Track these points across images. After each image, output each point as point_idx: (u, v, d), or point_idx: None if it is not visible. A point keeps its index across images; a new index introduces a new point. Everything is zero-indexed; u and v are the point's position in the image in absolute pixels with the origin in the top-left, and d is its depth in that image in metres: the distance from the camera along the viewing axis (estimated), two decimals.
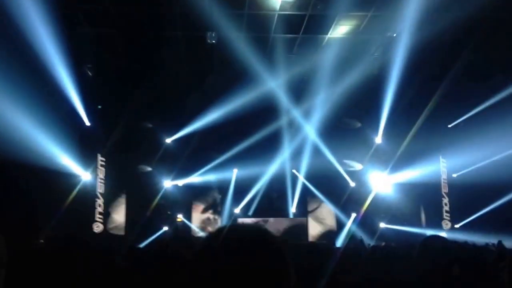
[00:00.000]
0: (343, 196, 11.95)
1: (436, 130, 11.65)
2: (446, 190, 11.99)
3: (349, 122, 11.96)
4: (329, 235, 11.65)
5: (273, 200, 11.74)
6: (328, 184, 11.88)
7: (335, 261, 3.80)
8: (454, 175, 11.89)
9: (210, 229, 11.45)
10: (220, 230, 1.05)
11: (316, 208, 12.27)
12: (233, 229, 1.06)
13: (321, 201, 12.15)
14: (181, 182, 11.32)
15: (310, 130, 11.19)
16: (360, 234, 10.87)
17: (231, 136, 10.91)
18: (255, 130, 10.86)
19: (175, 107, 10.75)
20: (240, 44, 9.64)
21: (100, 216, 10.51)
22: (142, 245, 8.00)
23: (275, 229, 11.67)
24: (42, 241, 6.59)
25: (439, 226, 11.73)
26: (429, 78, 10.50)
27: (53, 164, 8.95)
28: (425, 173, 11.65)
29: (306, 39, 10.10)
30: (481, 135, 10.48)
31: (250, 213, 11.52)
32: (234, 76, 10.03)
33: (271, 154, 11.20)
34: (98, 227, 10.38)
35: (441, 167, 12.00)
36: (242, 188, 11.51)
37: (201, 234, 11.31)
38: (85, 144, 10.30)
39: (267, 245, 1.02)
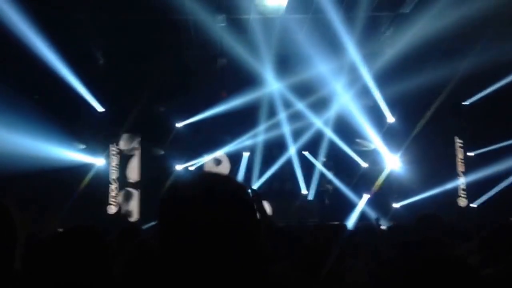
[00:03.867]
0: (355, 177, 11.89)
1: (452, 108, 11.43)
2: (463, 169, 11.82)
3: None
4: (341, 216, 11.64)
5: (284, 182, 11.78)
6: (340, 164, 11.84)
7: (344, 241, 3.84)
8: (470, 154, 11.68)
9: None
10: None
11: (326, 189, 12.25)
12: (199, 180, 1.03)
13: (332, 182, 12.12)
14: (192, 166, 11.44)
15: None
16: (374, 214, 10.86)
17: (243, 120, 10.95)
18: (269, 114, 10.89)
19: (186, 90, 10.79)
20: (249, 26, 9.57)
21: (114, 200, 10.79)
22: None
23: (286, 210, 11.79)
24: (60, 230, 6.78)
25: (455, 205, 11.63)
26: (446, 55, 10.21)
27: (66, 153, 9.21)
28: (440, 152, 11.49)
29: (316, 19, 9.89)
30: (500, 114, 10.24)
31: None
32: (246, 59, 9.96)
33: (282, 136, 11.21)
34: (112, 209, 10.70)
35: (457, 146, 11.80)
36: (253, 171, 11.57)
37: None
38: (98, 131, 10.51)
39: (236, 194, 0.99)
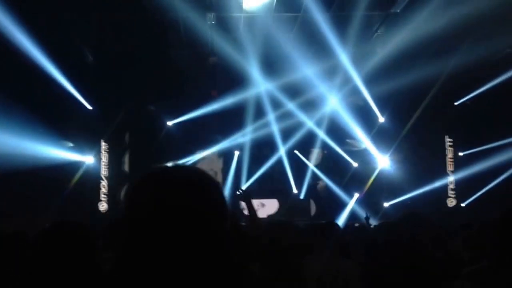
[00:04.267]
0: (346, 176, 11.94)
1: (443, 108, 11.49)
2: (452, 169, 11.90)
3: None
4: (331, 215, 11.67)
5: (275, 181, 11.80)
6: (330, 164, 11.87)
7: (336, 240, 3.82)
8: (461, 154, 11.76)
9: None
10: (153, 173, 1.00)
11: (318, 189, 12.29)
12: (168, 171, 1.02)
13: (323, 182, 12.16)
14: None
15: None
16: (364, 212, 10.88)
17: (234, 118, 10.94)
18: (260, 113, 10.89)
19: (176, 89, 10.76)
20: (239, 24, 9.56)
21: (105, 197, 10.77)
22: None
23: (277, 209, 11.80)
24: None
25: (444, 204, 11.70)
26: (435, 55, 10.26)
27: (55, 151, 9.14)
28: (430, 151, 11.57)
29: (307, 18, 9.89)
30: (492, 114, 10.32)
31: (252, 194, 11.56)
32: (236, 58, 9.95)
33: (273, 135, 11.22)
34: (103, 206, 10.67)
35: (447, 146, 11.88)
36: (244, 170, 11.57)
37: None
38: (88, 129, 10.43)
39: (204, 185, 0.98)
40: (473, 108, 11.17)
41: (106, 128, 10.80)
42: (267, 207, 11.57)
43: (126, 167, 11.34)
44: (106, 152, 10.85)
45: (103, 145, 10.86)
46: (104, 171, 10.81)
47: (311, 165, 11.98)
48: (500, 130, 10.46)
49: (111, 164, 10.91)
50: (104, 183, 10.78)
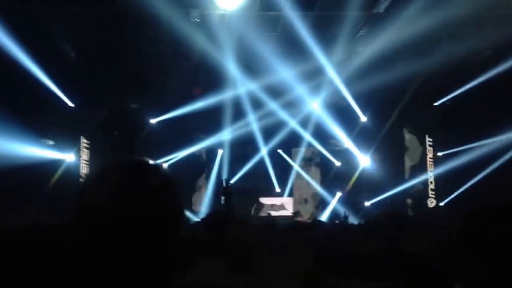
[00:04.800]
0: (328, 176, 12.03)
1: (423, 108, 11.63)
2: (432, 169, 12.05)
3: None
4: (314, 214, 11.78)
5: (258, 180, 11.82)
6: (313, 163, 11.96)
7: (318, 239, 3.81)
8: (440, 154, 11.92)
9: (195, 208, 11.57)
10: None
11: (300, 188, 12.35)
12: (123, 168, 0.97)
13: (306, 181, 12.23)
14: (165, 164, 11.32)
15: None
16: (344, 211, 10.98)
17: (217, 117, 10.92)
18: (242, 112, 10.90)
19: (159, 87, 10.68)
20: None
21: None
22: None
23: (260, 208, 11.83)
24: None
25: (424, 204, 11.86)
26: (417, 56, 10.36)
27: (35, 149, 8.99)
28: (411, 151, 11.72)
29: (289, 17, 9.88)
30: (471, 115, 10.45)
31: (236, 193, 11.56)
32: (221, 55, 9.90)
33: (256, 134, 11.24)
34: None
35: (427, 145, 12.03)
36: (227, 168, 11.57)
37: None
38: (68, 126, 10.29)
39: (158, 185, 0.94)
40: (452, 108, 11.33)
41: (87, 125, 10.65)
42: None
43: None
44: (86, 149, 10.70)
45: (83, 142, 10.70)
46: (84, 169, 10.66)
47: (294, 165, 12.03)
48: (479, 131, 10.63)
49: (92, 162, 10.76)
50: None
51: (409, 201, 12.05)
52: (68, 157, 10.31)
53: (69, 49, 10.19)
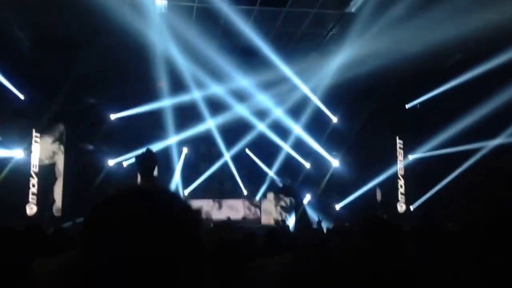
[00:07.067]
0: (298, 178, 11.68)
1: (394, 110, 11.50)
2: (402, 172, 11.91)
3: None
4: (282, 217, 11.40)
5: (223, 181, 11.36)
6: (282, 165, 11.58)
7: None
8: (411, 157, 11.79)
9: None
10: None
11: (269, 190, 11.98)
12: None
13: (274, 182, 11.85)
14: (125, 162, 10.66)
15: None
16: (315, 215, 10.65)
17: (182, 115, 10.39)
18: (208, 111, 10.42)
19: (119, 82, 10.04)
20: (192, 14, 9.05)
21: (34, 197, 9.70)
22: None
23: (228, 210, 11.36)
24: None
25: (394, 208, 11.68)
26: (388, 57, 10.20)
27: None
28: (381, 153, 11.53)
29: (264, 11, 9.54)
30: (442, 118, 10.36)
31: (201, 194, 11.07)
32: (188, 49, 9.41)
33: (223, 135, 10.78)
34: (31, 209, 9.59)
35: (398, 148, 11.88)
36: (191, 169, 11.04)
37: None
38: (18, 121, 9.46)
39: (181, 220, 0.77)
40: (423, 111, 11.24)
41: (39, 118, 9.82)
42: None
43: (60, 164, 10.32)
44: (37, 143, 9.84)
45: (35, 135, 9.85)
46: (34, 167, 9.81)
47: (262, 165, 11.63)
48: (449, 134, 10.55)
49: (43, 160, 9.94)
50: (34, 181, 9.74)
51: (379, 205, 11.86)
52: (17, 153, 9.45)
53: (24, 37, 9.43)
